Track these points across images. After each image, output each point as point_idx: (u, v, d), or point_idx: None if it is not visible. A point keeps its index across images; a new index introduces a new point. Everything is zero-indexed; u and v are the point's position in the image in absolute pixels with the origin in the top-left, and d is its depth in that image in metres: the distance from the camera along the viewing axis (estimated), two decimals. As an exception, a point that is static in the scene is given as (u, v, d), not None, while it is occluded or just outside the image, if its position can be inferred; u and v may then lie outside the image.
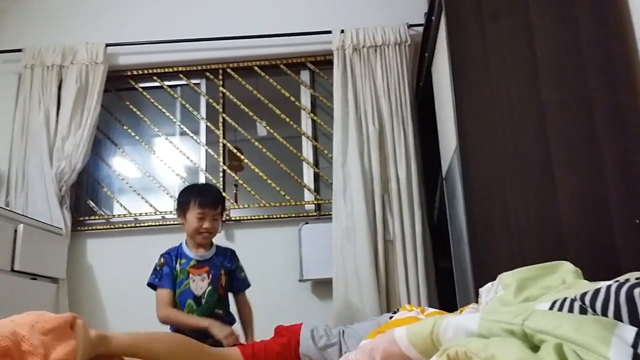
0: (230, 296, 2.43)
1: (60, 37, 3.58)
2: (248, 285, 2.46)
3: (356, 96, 3.30)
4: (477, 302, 1.25)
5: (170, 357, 1.57)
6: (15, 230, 2.79)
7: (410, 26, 3.40)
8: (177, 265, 2.31)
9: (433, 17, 2.69)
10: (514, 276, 0.82)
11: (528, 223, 2.06)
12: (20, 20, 3.72)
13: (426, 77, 3.12)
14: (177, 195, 3.57)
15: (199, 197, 2.29)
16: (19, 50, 3.53)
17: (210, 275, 2.30)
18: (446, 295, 2.98)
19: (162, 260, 2.36)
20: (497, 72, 2.21)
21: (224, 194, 3.42)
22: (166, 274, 2.31)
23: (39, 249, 2.95)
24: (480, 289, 0.97)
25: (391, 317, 1.37)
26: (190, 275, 2.28)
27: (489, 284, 0.95)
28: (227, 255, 2.42)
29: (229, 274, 2.38)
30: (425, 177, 3.25)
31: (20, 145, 3.36)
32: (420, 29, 3.13)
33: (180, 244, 2.40)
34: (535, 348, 0.54)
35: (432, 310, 1.29)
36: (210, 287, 2.27)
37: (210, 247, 2.39)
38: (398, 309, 1.41)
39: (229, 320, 2.34)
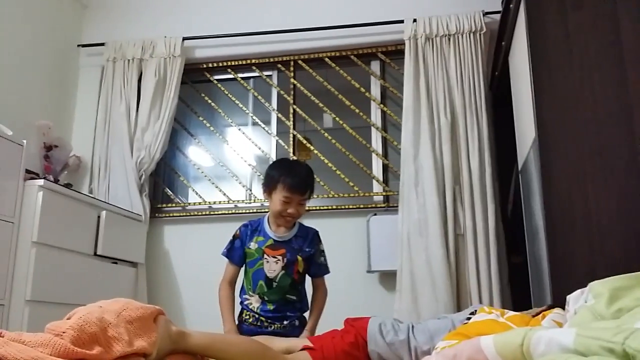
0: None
1: (140, 32, 3.73)
2: (326, 271, 2.32)
3: (428, 87, 3.24)
4: (558, 306, 1.21)
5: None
6: (99, 217, 2.95)
7: (486, 14, 3.29)
8: (254, 242, 2.24)
9: (511, 5, 2.60)
10: (606, 285, 0.79)
11: (610, 222, 1.96)
12: (102, 15, 3.90)
13: (502, 67, 3.02)
14: (249, 185, 3.68)
15: (288, 178, 2.17)
16: (102, 44, 3.71)
17: (286, 259, 2.18)
18: (519, 292, 2.90)
19: (237, 232, 2.31)
20: (579, 62, 2.11)
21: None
22: (236, 248, 2.27)
23: (120, 234, 3.10)
24: (568, 297, 0.94)
25: (469, 319, 1.35)
26: (265, 256, 2.19)
27: (578, 291, 0.91)
28: (309, 238, 2.28)
29: (307, 259, 2.23)
30: (499, 169, 3.16)
31: (103, 136, 3.54)
32: (497, 16, 3.03)
33: (262, 219, 2.31)
34: (638, 370, 0.52)
35: (512, 313, 1.26)
36: (283, 272, 2.16)
37: (293, 227, 2.27)
38: (476, 310, 1.38)
39: (301, 307, 2.25)
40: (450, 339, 1.11)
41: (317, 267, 2.28)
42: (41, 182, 2.61)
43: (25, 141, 2.62)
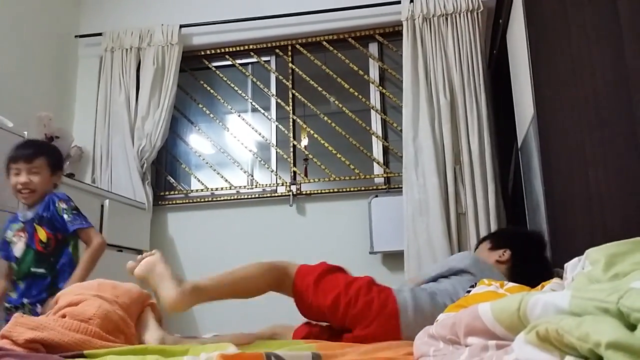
0: None
1: (137, 20, 3.72)
2: (77, 224, 2.23)
3: (426, 67, 3.24)
4: (560, 277, 1.23)
5: (247, 282, 1.67)
6: (102, 206, 2.97)
7: (482, -8, 3.28)
8: (9, 231, 2.24)
9: (508, -18, 2.59)
10: (603, 251, 0.80)
11: (611, 196, 1.97)
12: (99, 5, 3.89)
13: (500, 45, 3.02)
14: (250, 171, 3.70)
15: (11, 152, 2.19)
16: (100, 34, 3.71)
17: (26, 233, 2.18)
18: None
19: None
20: (577, 37, 2.10)
21: (294, 168, 3.49)
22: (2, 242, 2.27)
23: (124, 222, 3.13)
24: (565, 265, 0.95)
25: (469, 292, 1.37)
26: (14, 239, 2.22)
27: (575, 259, 0.93)
28: (44, 203, 2.22)
29: (48, 224, 2.20)
30: (499, 148, 3.17)
31: (104, 126, 3.55)
32: (494, -6, 3.02)
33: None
34: (631, 327, 0.54)
35: (511, 285, 1.28)
36: (25, 247, 2.17)
37: (40, 203, 2.23)
38: (475, 283, 1.40)
39: (52, 280, 2.20)
40: (451, 311, 1.13)
41: (63, 224, 2.21)
42: (43, 172, 2.62)
43: (26, 132, 2.63)
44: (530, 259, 2.03)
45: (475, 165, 3.07)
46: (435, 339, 0.91)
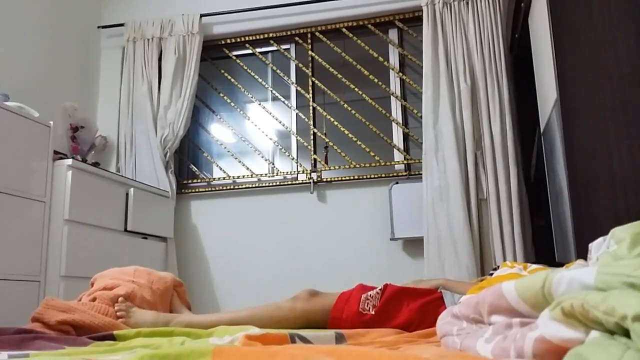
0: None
1: (158, 10, 3.76)
2: None
3: (447, 52, 3.22)
4: (583, 259, 1.22)
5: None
6: (127, 194, 3.03)
7: (503, -25, 3.23)
8: None
9: (529, -36, 2.55)
10: (628, 230, 0.80)
11: (635, 179, 1.95)
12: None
13: (522, 29, 2.98)
14: (271, 159, 3.72)
15: None
16: (122, 25, 3.75)
17: None
18: (543, 254, 2.91)
19: None
20: (601, 19, 2.07)
21: (314, 156, 3.51)
22: None
23: (148, 210, 3.18)
24: (590, 245, 0.95)
25: (491, 274, 1.37)
26: None
27: (600, 238, 0.93)
28: None
29: None
30: (520, 132, 3.14)
31: (127, 115, 3.60)
32: (515, -23, 2.97)
33: None
34: (656, 301, 0.54)
35: (535, 266, 1.28)
36: None
37: None
38: (498, 266, 1.40)
39: None
40: (474, 292, 1.13)
41: None
42: (69, 161, 2.68)
43: (52, 123, 2.68)
44: None
45: (496, 151, 3.05)
46: (458, 318, 0.92)
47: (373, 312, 1.54)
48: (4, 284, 2.32)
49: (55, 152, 2.74)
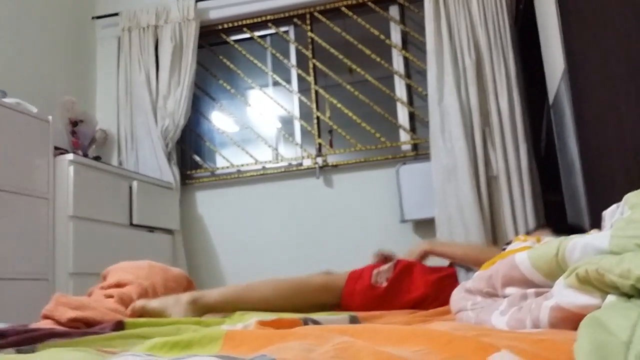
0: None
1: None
2: None
3: (450, 28, 3.14)
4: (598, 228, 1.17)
5: (267, 304, 1.54)
6: (130, 187, 2.99)
7: (505, -56, 3.14)
8: None
9: None
10: (642, 195, 0.75)
11: (649, 147, 1.89)
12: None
13: (527, 0, 2.90)
14: (275, 145, 3.68)
15: None
16: (116, 14, 3.69)
17: None
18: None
19: None
20: (608, -16, 2.00)
21: (319, 140, 3.46)
22: None
23: (153, 203, 3.15)
24: (603, 212, 0.91)
25: (504, 249, 1.32)
26: None
27: (614, 206, 0.88)
28: None
29: None
30: (529, 106, 3.07)
31: (126, 107, 3.56)
32: (518, -55, 2.89)
33: None
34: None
35: (548, 238, 1.23)
36: None
37: None
38: (511, 241, 1.35)
39: None
40: (487, 267, 1.09)
41: None
42: (71, 156, 2.65)
43: (50, 117, 2.65)
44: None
45: (505, 126, 2.98)
46: (472, 293, 0.88)
47: (386, 284, 1.52)
48: (12, 283, 2.30)
49: (56, 148, 2.70)
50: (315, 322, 1.17)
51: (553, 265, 0.66)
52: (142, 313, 1.53)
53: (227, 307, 1.54)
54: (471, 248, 1.75)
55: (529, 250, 0.72)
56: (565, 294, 0.58)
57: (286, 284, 1.60)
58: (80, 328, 1.41)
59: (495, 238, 2.93)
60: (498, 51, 3.04)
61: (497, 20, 3.07)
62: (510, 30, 3.07)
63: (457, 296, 0.93)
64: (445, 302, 1.45)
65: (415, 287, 1.52)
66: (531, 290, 0.69)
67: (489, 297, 0.82)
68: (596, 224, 1.93)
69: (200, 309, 1.53)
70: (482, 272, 0.86)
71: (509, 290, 0.75)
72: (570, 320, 0.58)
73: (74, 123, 3.16)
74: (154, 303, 1.53)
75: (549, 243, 0.69)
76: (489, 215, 2.95)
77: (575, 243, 0.63)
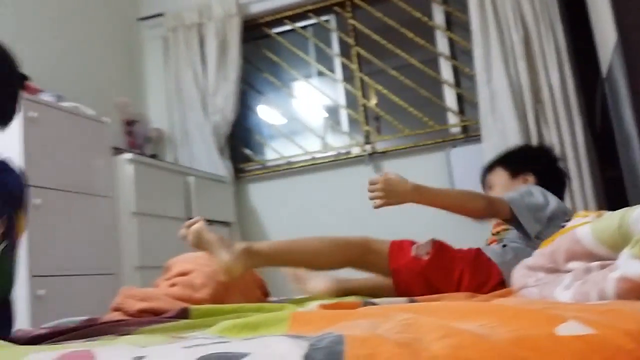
0: None
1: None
2: None
3: (494, 4, 3.07)
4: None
5: (315, 257, 1.61)
6: (187, 183, 3.09)
7: None
8: None
9: None
10: None
11: None
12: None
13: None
14: (322, 135, 3.70)
15: None
16: (161, 15, 3.78)
17: None
18: (617, 207, 2.76)
19: None
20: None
21: (366, 127, 3.46)
22: None
23: (209, 197, 3.24)
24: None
25: (563, 226, 1.30)
26: None
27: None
28: None
29: None
30: (581, 81, 2.97)
31: (177, 105, 3.65)
32: None
33: None
34: None
35: (610, 213, 1.20)
36: None
37: None
38: (570, 218, 1.33)
39: None
40: (546, 245, 1.08)
41: None
42: (129, 155, 2.75)
43: (108, 119, 2.75)
44: (553, 177, 1.94)
45: (557, 102, 2.90)
46: (534, 270, 0.88)
47: (428, 257, 1.55)
48: (81, 279, 2.41)
49: (114, 148, 2.81)
50: (374, 304, 1.19)
51: (616, 236, 0.66)
52: (199, 235, 1.59)
53: (277, 258, 1.63)
54: (455, 196, 1.72)
55: (590, 224, 0.72)
56: (631, 265, 0.58)
57: (331, 239, 1.67)
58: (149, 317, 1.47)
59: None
60: (546, 25, 2.96)
61: (543, -8, 2.99)
62: (557, 1, 2.98)
63: (519, 273, 0.93)
64: (482, 280, 1.50)
65: (455, 264, 1.56)
66: (595, 264, 0.69)
67: (552, 272, 0.82)
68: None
69: (252, 257, 1.57)
70: (543, 249, 0.86)
71: (572, 264, 0.75)
72: (637, 290, 0.57)
73: (129, 123, 3.28)
74: (211, 235, 1.58)
75: (612, 215, 0.69)
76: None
77: (638, 214, 0.63)
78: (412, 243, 1.65)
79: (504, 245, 1.68)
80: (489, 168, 2.06)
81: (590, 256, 0.71)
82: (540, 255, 0.86)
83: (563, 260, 0.77)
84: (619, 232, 0.65)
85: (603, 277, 0.61)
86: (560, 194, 1.92)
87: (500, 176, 1.96)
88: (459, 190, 1.79)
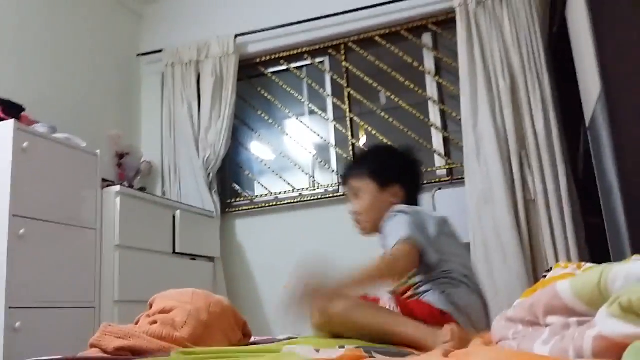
0: None
1: (194, 34, 3.83)
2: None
3: (483, 52, 3.16)
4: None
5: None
6: (174, 216, 3.09)
7: (536, -31, 3.16)
8: None
9: (563, -44, 2.49)
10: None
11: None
12: (157, 23, 4.05)
13: (560, 22, 2.90)
14: (311, 172, 3.73)
15: None
16: (160, 51, 3.85)
17: None
18: (599, 254, 2.79)
19: None
20: (643, 5, 2.00)
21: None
22: None
23: (194, 231, 3.23)
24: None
25: (544, 276, 1.32)
26: None
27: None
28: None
29: None
30: (565, 129, 3.05)
31: (169, 139, 3.68)
32: (549, -30, 2.91)
33: None
34: None
35: (590, 265, 1.23)
36: None
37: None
38: (551, 268, 1.35)
39: None
40: (527, 295, 1.10)
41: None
42: (117, 188, 2.75)
43: (99, 151, 2.76)
44: (417, 186, 1.87)
45: (542, 149, 2.96)
46: (513, 322, 0.89)
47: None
48: (60, 311, 2.38)
49: (103, 180, 2.81)
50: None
51: (595, 294, 0.68)
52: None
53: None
54: (364, 278, 1.50)
55: (570, 279, 0.74)
56: (608, 323, 0.59)
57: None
58: (127, 357, 1.45)
59: (535, 262, 2.89)
60: (532, 74, 3.05)
61: (530, 43, 3.08)
62: (544, 53, 3.07)
63: (499, 324, 0.94)
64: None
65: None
66: (574, 319, 0.70)
67: (531, 325, 0.83)
68: (638, 247, 1.90)
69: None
70: (524, 300, 0.88)
71: (551, 319, 0.76)
72: (614, 349, 0.59)
73: (120, 156, 3.29)
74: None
75: (591, 271, 0.71)
76: (528, 239, 2.92)
77: (617, 271, 0.65)
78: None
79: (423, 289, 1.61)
80: (354, 171, 1.88)
81: (569, 311, 0.72)
82: (520, 307, 0.87)
83: (542, 314, 0.78)
84: (597, 289, 0.67)
85: (580, 335, 0.63)
86: (417, 196, 1.87)
87: (367, 185, 1.79)
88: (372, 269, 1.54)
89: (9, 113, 2.40)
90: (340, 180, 2.00)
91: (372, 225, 1.79)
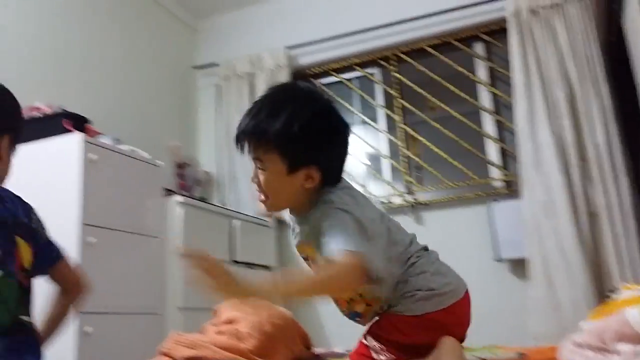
0: None
1: (248, 47, 3.93)
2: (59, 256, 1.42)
3: (538, 62, 3.12)
4: None
5: None
6: (232, 226, 3.17)
7: (592, -23, 3.10)
8: None
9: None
10: None
11: None
12: (212, 36, 4.19)
13: (618, 31, 2.84)
14: (364, 183, 3.75)
15: None
16: (215, 65, 3.98)
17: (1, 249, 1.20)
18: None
19: None
20: None
21: (408, 178, 3.49)
22: None
23: (252, 240, 3.31)
24: None
25: (609, 296, 1.30)
26: None
27: None
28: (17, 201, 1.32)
29: (32, 239, 1.30)
30: (628, 139, 2.96)
31: (225, 150, 3.79)
32: (604, -22, 2.85)
33: None
34: None
35: (659, 287, 1.21)
36: (1, 272, 1.19)
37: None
38: (616, 287, 1.33)
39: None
40: (596, 317, 1.10)
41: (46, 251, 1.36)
42: (180, 198, 2.86)
43: (162, 162, 2.87)
44: (343, 160, 1.43)
45: (603, 161, 2.87)
46: (582, 347, 0.90)
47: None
48: (127, 317, 2.47)
49: (165, 190, 2.92)
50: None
51: (667, 323, 0.68)
52: None
53: None
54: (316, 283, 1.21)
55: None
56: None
57: None
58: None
59: (601, 280, 2.80)
60: (591, 84, 2.98)
61: (587, 52, 3.02)
62: (602, 62, 3.00)
63: (567, 349, 0.95)
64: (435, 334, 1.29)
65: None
66: (645, 349, 0.71)
67: (599, 352, 0.84)
68: None
69: None
70: (592, 325, 0.89)
71: (621, 346, 0.77)
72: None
73: (181, 166, 3.41)
74: None
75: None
76: (593, 254, 2.83)
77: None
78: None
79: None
80: (260, 136, 1.31)
81: (638, 339, 0.73)
82: (589, 333, 0.88)
83: (611, 341, 0.79)
84: (668, 318, 0.68)
85: (653, 365, 0.64)
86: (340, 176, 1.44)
87: (274, 164, 1.31)
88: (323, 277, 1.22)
89: (76, 126, 2.50)
90: (238, 138, 1.38)
91: (279, 208, 1.46)
